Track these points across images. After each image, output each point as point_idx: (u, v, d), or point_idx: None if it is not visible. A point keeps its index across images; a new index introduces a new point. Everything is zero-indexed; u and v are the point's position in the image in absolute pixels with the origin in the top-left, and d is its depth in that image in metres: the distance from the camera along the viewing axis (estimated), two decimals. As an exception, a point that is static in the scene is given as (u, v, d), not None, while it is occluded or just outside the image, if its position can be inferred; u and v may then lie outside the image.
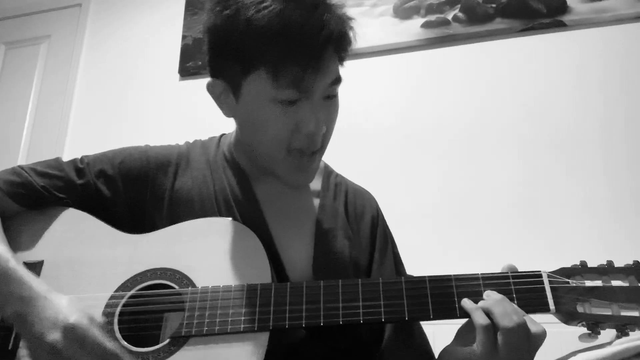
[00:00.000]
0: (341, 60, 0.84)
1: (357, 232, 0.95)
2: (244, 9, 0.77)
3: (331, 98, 0.84)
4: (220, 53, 0.84)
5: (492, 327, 0.70)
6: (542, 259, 0.91)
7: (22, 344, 0.77)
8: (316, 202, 0.95)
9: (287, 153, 0.83)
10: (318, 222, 0.91)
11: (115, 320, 0.77)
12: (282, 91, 0.78)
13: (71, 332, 0.67)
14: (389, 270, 0.94)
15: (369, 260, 0.94)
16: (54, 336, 0.67)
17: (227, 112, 0.89)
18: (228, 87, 0.85)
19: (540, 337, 0.70)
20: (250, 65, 0.79)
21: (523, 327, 0.69)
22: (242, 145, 0.93)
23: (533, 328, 0.70)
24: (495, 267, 0.80)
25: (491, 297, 0.73)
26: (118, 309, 0.79)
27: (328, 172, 1.01)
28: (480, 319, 0.71)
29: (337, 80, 0.83)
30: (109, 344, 0.68)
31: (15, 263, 0.75)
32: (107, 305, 0.79)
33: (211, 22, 0.83)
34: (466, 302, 0.74)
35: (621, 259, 0.77)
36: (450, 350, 0.77)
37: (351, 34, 0.83)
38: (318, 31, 0.76)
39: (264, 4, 0.77)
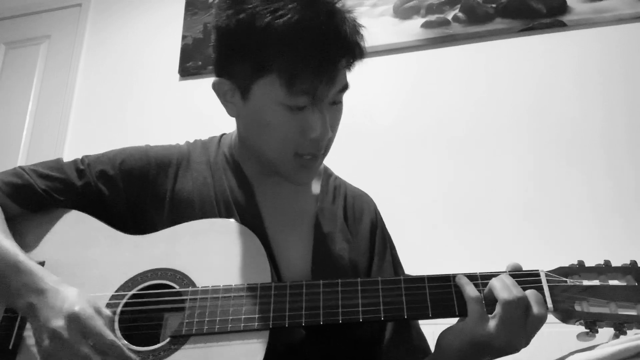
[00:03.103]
0: (350, 68, 0.85)
1: (356, 235, 0.95)
2: (260, 16, 0.77)
3: (337, 103, 0.85)
4: (231, 55, 0.83)
5: (482, 299, 0.73)
6: (541, 258, 0.92)
7: (27, 334, 0.78)
8: (315, 204, 0.95)
9: (292, 156, 0.84)
10: (317, 224, 0.92)
11: (116, 319, 0.78)
12: (295, 98, 0.78)
13: (74, 320, 0.69)
14: (388, 273, 0.94)
15: (367, 263, 0.94)
16: (57, 323, 0.69)
17: (232, 112, 0.89)
18: (235, 87, 0.84)
19: (540, 319, 0.72)
20: (263, 69, 0.79)
21: (522, 300, 0.71)
22: (245, 145, 0.93)
23: (536, 309, 0.71)
24: (493, 266, 0.80)
25: (493, 278, 0.76)
26: (119, 309, 0.79)
27: (327, 175, 1.01)
28: (470, 292, 0.74)
29: (345, 87, 0.84)
30: (110, 335, 0.70)
31: (24, 256, 0.77)
32: (108, 305, 0.79)
33: (223, 24, 0.82)
34: (460, 277, 0.76)
35: (620, 259, 0.78)
36: (445, 330, 0.78)
37: (363, 44, 0.83)
38: (334, 42, 0.77)
39: (281, 12, 0.76)
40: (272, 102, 0.80)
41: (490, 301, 0.73)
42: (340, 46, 0.78)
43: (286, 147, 0.83)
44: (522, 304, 0.71)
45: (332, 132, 0.84)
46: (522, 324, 0.71)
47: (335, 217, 0.94)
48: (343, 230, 0.93)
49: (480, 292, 0.75)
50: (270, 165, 0.88)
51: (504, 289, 0.72)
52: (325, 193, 0.97)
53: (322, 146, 0.85)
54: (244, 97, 0.84)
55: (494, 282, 0.74)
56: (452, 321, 0.78)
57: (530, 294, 0.73)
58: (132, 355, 0.70)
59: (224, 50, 0.84)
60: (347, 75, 0.84)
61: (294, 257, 0.88)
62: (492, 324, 0.71)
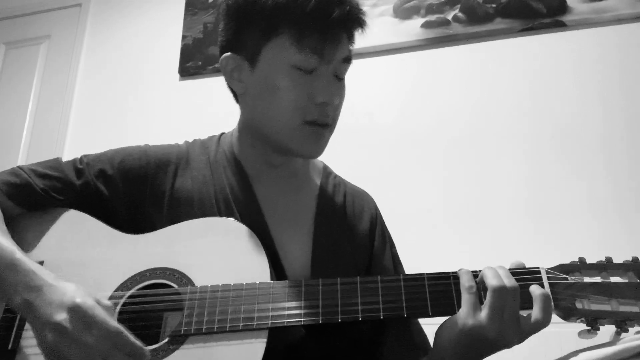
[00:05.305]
0: (350, 40, 0.89)
1: (356, 233, 0.95)
2: None
3: (340, 79, 0.88)
4: (241, 26, 0.87)
5: (475, 288, 0.73)
6: (541, 256, 0.91)
7: (26, 334, 0.78)
8: (315, 202, 0.95)
9: (301, 122, 0.85)
10: (317, 222, 0.92)
11: (115, 318, 0.77)
12: (304, 56, 0.82)
13: (77, 312, 0.68)
14: (388, 271, 0.94)
15: (367, 260, 0.94)
16: (60, 316, 0.68)
17: (239, 88, 0.90)
18: (243, 60, 0.87)
19: (538, 321, 0.71)
20: (273, 30, 0.83)
21: (512, 289, 0.71)
22: (249, 130, 0.93)
23: (537, 309, 0.71)
24: (494, 265, 0.79)
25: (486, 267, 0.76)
26: (118, 308, 0.79)
27: (327, 173, 1.02)
28: (465, 282, 0.74)
29: (349, 59, 0.88)
30: (114, 323, 0.68)
31: (21, 254, 0.77)
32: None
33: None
34: (462, 270, 0.77)
35: (621, 256, 0.77)
36: (442, 324, 0.78)
37: (364, 17, 0.90)
38: (338, 4, 0.83)
39: None
40: (282, 64, 0.83)
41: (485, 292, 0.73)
42: (343, 9, 0.83)
43: (295, 113, 0.84)
44: (512, 293, 0.71)
45: (338, 102, 0.87)
46: (513, 315, 0.71)
47: (335, 214, 0.94)
48: (343, 227, 0.94)
49: (477, 284, 0.74)
50: (278, 141, 0.88)
51: (495, 277, 0.73)
52: (325, 190, 0.97)
53: (329, 114, 0.86)
54: (252, 65, 0.86)
55: (486, 271, 0.74)
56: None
57: (540, 295, 0.72)
58: (137, 342, 0.68)
59: (234, 25, 0.88)
60: (349, 48, 0.88)
61: (294, 253, 0.88)
62: (483, 312, 0.71)
